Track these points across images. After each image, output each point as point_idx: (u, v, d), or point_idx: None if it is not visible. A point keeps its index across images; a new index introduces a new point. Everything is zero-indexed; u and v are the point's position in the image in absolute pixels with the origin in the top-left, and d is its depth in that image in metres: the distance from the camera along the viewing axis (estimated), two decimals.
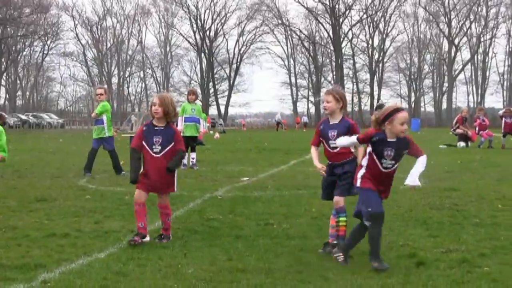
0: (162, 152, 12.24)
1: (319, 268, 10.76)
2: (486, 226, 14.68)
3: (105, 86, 32.65)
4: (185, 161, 25.75)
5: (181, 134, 24.42)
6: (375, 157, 10.68)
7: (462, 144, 47.35)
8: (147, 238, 12.45)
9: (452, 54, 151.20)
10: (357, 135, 11.41)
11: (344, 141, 11.51)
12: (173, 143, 12.36)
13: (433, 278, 10.19)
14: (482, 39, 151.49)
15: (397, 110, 10.72)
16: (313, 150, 12.37)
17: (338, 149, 11.77)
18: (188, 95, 29.58)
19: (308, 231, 13.91)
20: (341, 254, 11.05)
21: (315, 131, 12.44)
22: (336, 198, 11.93)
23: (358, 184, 10.98)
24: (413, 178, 10.77)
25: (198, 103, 29.83)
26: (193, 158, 27.69)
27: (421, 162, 10.91)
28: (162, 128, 12.34)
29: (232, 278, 10.06)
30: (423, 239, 13.16)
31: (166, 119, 12.33)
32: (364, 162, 11.07)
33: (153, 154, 12.24)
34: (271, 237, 13.32)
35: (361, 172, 11.00)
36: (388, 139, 10.71)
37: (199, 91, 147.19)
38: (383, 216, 10.75)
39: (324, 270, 10.62)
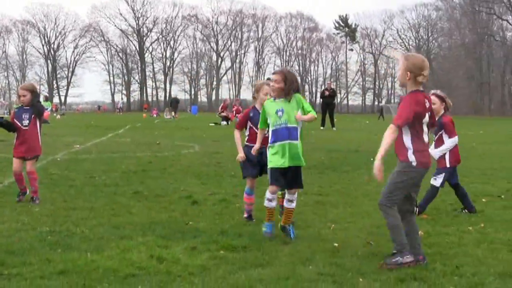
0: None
1: (127, 206, 10.69)
2: (238, 177, 14.81)
3: None
4: None
5: None
6: None
7: (224, 123, 47.89)
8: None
9: (219, 63, 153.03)
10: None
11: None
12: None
13: (203, 211, 10.31)
14: (238, 53, 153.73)
15: None
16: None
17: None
18: None
19: (119, 182, 13.76)
20: None
21: None
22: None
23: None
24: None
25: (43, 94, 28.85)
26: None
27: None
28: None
29: (66, 213, 9.91)
30: (197, 186, 13.26)
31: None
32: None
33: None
34: (94, 185, 13.13)
35: None
36: None
37: (46, 86, 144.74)
38: None
39: (130, 207, 10.57)
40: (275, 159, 8.39)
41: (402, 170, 6.94)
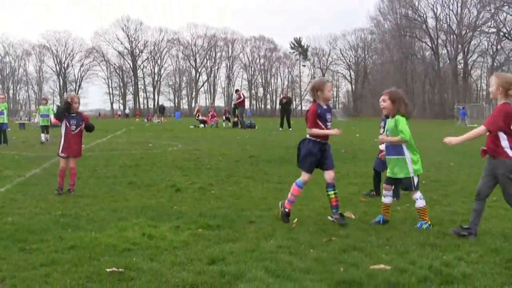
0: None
1: (123, 194, 10.65)
2: (213, 169, 14.87)
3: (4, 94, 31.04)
4: (43, 139, 25.21)
5: (38, 124, 24.59)
6: None
7: (201, 125, 47.62)
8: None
9: (197, 77, 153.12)
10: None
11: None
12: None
13: (184, 197, 10.28)
14: (212, 69, 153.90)
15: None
16: None
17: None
18: (42, 101, 28.43)
19: (118, 174, 13.69)
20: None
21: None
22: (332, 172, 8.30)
23: None
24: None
25: (49, 105, 28.10)
26: (47, 136, 26.02)
27: None
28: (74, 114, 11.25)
29: (74, 200, 9.86)
30: (180, 177, 13.21)
31: None
32: None
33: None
34: (97, 177, 13.05)
35: None
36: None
37: (58, 98, 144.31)
38: None
39: (126, 195, 10.53)
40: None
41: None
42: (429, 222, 7.83)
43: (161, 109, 77.27)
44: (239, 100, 43.08)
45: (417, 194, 7.88)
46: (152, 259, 6.10)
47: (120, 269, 5.62)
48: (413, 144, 7.93)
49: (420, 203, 7.85)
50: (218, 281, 5.37)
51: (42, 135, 25.64)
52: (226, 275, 5.50)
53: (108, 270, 5.60)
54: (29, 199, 10.05)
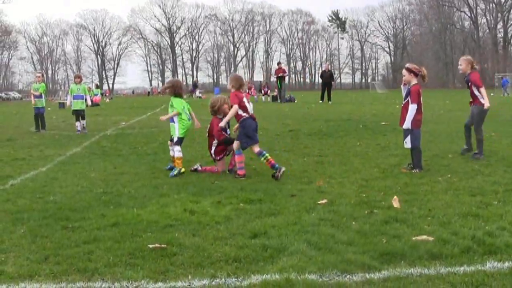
0: None
1: (164, 170, 10.67)
2: None
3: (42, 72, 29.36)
4: (79, 128, 20.04)
5: (71, 108, 20.28)
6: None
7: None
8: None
9: (235, 52, 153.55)
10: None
11: None
12: None
13: (225, 172, 10.29)
14: (251, 44, 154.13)
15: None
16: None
17: None
18: (75, 79, 21.80)
19: (157, 151, 13.69)
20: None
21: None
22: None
23: None
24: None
25: (83, 84, 21.80)
26: (83, 123, 20.29)
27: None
28: None
29: (115, 178, 9.92)
30: None
31: None
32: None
33: None
34: (137, 154, 13.12)
35: None
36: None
37: (97, 76, 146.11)
38: None
39: (166, 171, 10.56)
40: None
41: None
42: (181, 168, 10.21)
43: (194, 85, 77.42)
44: (281, 75, 42.50)
45: (177, 148, 10.45)
46: (194, 234, 6.11)
47: (162, 245, 5.64)
48: (185, 118, 10.72)
49: (177, 154, 10.38)
50: (260, 254, 5.34)
51: (78, 123, 20.21)
52: (269, 249, 5.48)
53: (150, 246, 5.61)
54: (70, 177, 10.14)
